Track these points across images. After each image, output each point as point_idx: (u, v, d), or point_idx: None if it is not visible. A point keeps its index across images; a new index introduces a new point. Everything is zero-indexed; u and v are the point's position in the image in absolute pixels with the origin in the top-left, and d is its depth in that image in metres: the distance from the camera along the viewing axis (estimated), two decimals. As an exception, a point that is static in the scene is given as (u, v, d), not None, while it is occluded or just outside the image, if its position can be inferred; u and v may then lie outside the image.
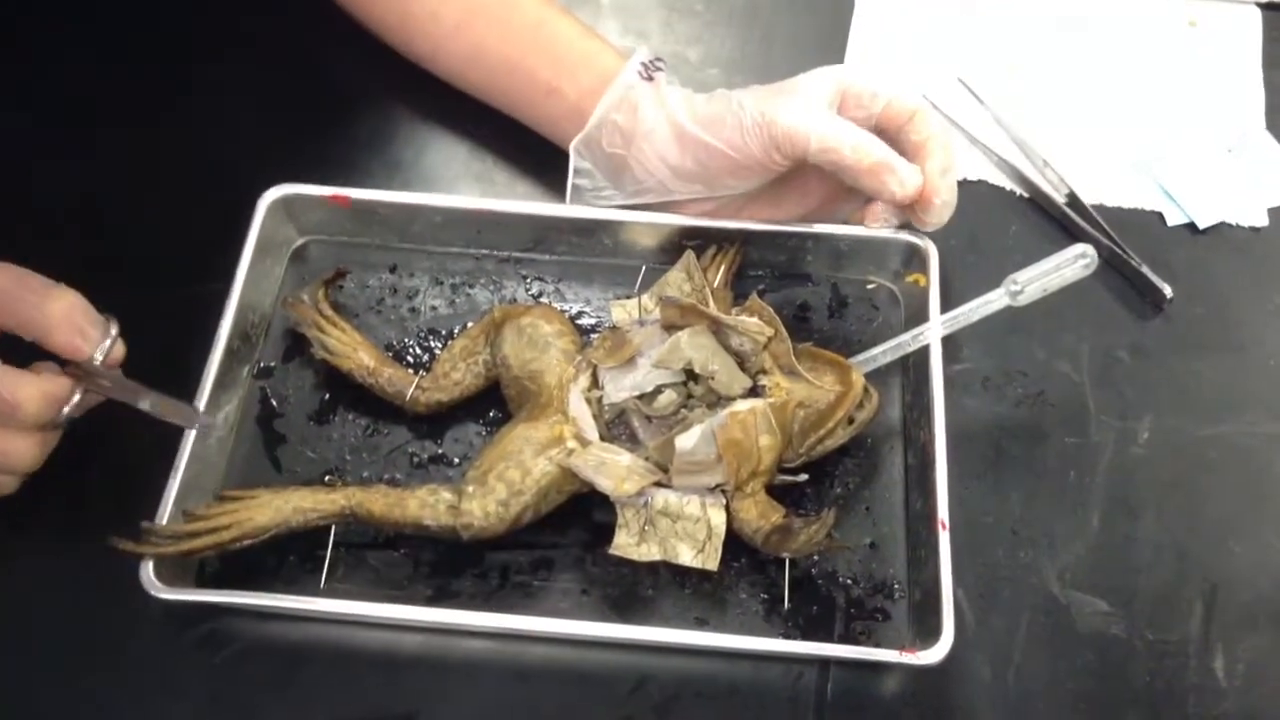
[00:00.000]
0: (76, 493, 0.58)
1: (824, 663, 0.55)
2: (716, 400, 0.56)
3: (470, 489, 0.55)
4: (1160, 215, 0.71)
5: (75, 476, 0.57)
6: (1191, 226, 0.70)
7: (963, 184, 0.63)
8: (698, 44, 0.78)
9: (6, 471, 0.53)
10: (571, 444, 0.56)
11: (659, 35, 0.79)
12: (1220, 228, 0.70)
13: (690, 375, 0.57)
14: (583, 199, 0.66)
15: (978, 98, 0.75)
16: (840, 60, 0.77)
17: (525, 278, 0.67)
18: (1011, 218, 0.70)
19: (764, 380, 0.57)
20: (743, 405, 0.55)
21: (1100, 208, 0.70)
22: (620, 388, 0.57)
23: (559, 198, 0.67)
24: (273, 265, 0.65)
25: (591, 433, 0.57)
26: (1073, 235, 0.69)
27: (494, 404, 0.61)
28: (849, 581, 0.57)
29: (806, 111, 0.58)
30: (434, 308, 0.65)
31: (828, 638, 0.55)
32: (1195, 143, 0.74)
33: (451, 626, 0.54)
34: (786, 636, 0.55)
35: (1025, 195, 0.71)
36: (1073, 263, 0.59)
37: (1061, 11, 0.80)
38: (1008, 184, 0.72)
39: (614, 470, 0.55)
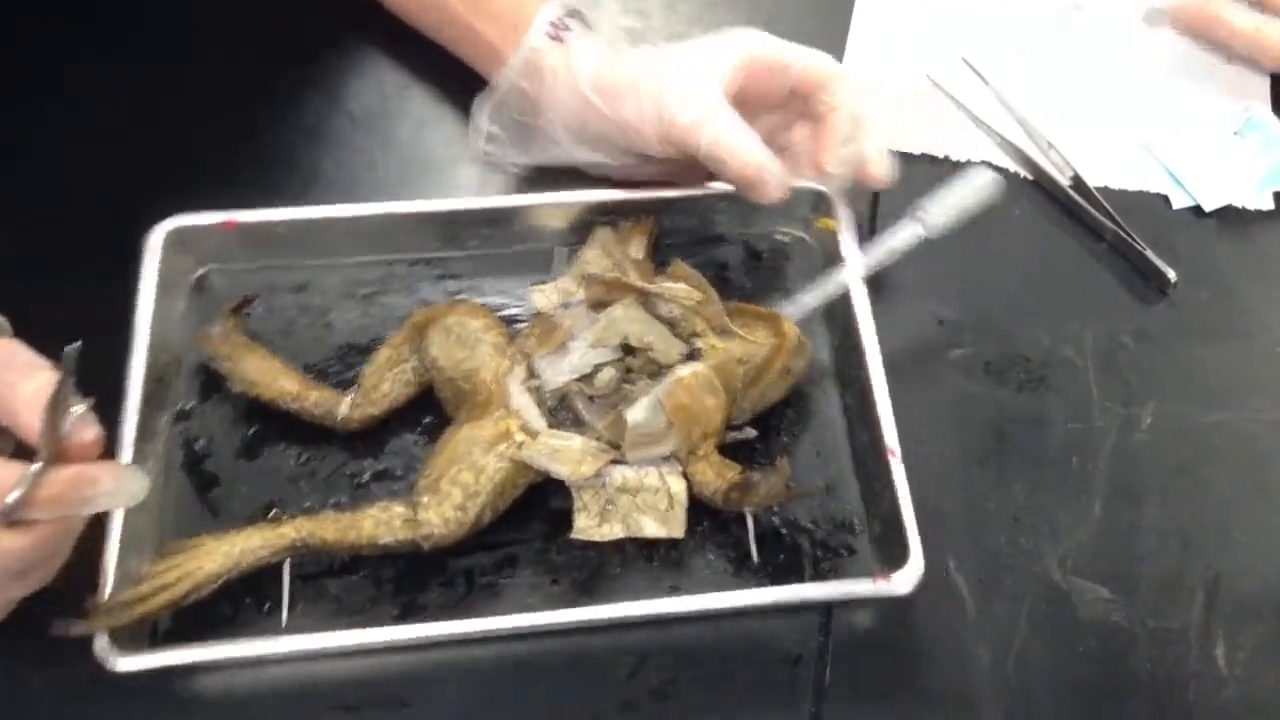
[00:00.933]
0: None
1: (821, 610, 0.55)
2: (657, 370, 0.56)
3: (425, 499, 0.54)
4: (1165, 198, 0.70)
5: None
6: (1197, 210, 0.69)
7: (965, 165, 0.64)
8: (699, 24, 0.76)
9: None
10: (520, 437, 0.55)
11: (661, 15, 0.77)
12: (1226, 211, 0.69)
13: (627, 349, 0.56)
14: (492, 161, 0.66)
15: (983, 78, 0.74)
16: (843, 39, 0.76)
17: (439, 278, 0.65)
18: (1015, 200, 0.69)
19: (699, 343, 0.57)
20: (685, 370, 0.55)
21: (1105, 190, 0.69)
22: (558, 373, 0.57)
23: (460, 193, 0.66)
24: (175, 301, 0.62)
25: (538, 422, 0.56)
26: (1076, 218, 0.68)
27: (428, 410, 0.60)
28: (811, 526, 0.57)
29: (702, 106, 0.58)
30: (349, 321, 0.63)
31: (798, 581, 0.55)
32: (1201, 125, 0.73)
33: (425, 640, 0.53)
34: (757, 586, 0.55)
35: (1029, 178, 0.70)
36: (976, 184, 0.61)
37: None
38: (1012, 166, 0.71)
39: (568, 456, 0.54)
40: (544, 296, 0.63)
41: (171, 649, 0.51)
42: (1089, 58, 0.76)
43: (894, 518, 0.54)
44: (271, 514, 0.57)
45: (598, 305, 0.58)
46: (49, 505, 0.44)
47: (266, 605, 0.54)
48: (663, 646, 0.55)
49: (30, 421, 0.44)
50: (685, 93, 0.58)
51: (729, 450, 0.57)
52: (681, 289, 0.58)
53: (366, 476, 0.58)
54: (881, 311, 0.60)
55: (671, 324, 0.58)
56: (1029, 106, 0.73)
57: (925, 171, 0.69)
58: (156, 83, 0.72)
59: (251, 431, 0.59)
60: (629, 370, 0.57)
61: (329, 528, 0.53)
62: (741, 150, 0.58)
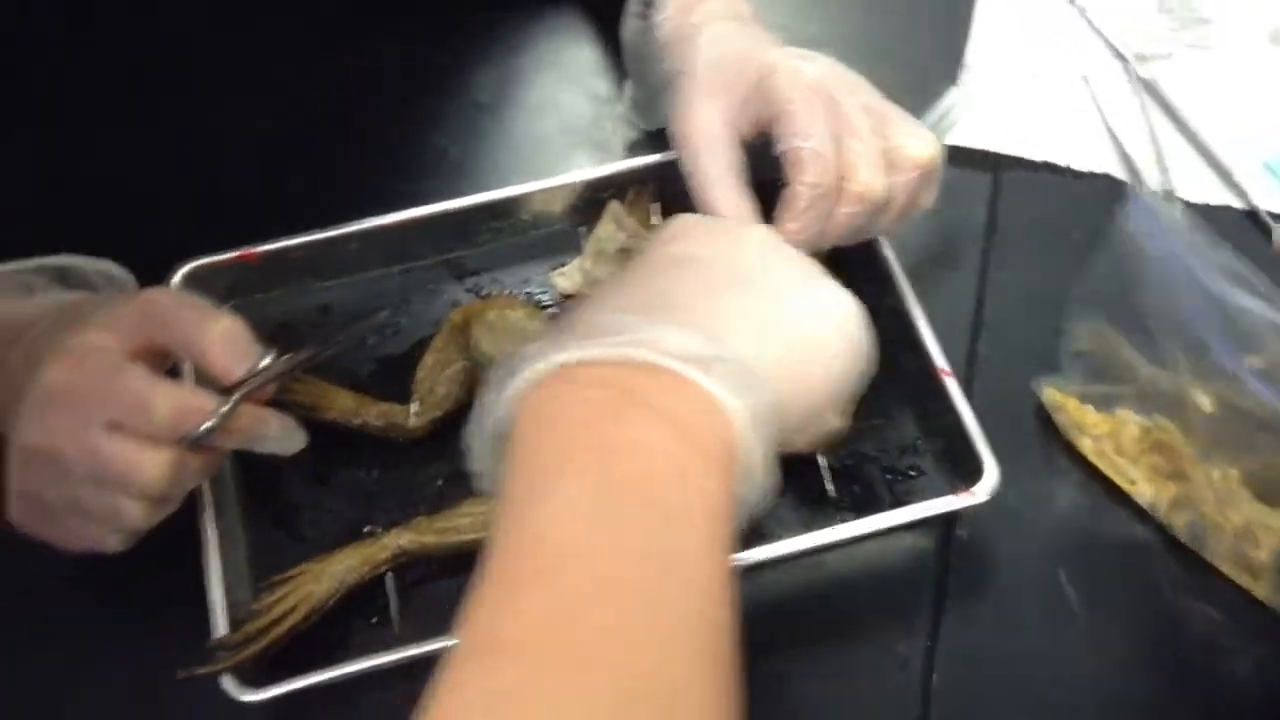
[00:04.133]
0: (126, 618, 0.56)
1: (929, 529, 0.58)
2: None
3: (516, 489, 0.55)
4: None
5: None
6: None
7: (1084, 175, 0.67)
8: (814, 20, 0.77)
9: (129, 491, 0.47)
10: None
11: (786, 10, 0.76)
12: None
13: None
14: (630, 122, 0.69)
15: (1101, 89, 0.74)
16: (963, 41, 0.75)
17: (459, 276, 0.66)
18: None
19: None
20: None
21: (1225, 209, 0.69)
22: None
23: (457, 192, 0.67)
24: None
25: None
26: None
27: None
28: (878, 454, 0.60)
29: (701, 122, 0.55)
30: (381, 335, 0.64)
31: (879, 507, 0.58)
32: None
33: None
34: (844, 522, 0.58)
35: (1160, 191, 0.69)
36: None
37: (1188, 13, 0.78)
38: (1129, 178, 0.70)
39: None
40: (567, 279, 0.64)
41: (296, 678, 0.51)
42: (1215, 74, 0.75)
43: (957, 433, 0.57)
44: (366, 530, 0.57)
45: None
46: (234, 436, 0.49)
47: (375, 620, 0.55)
48: (776, 592, 0.57)
49: (221, 360, 0.48)
50: (693, 100, 0.56)
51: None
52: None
53: (441, 481, 0.59)
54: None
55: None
56: (1149, 122, 0.72)
57: (1047, 181, 0.71)
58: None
59: (318, 456, 0.59)
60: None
61: (428, 533, 0.54)
62: (715, 191, 0.54)
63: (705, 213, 0.55)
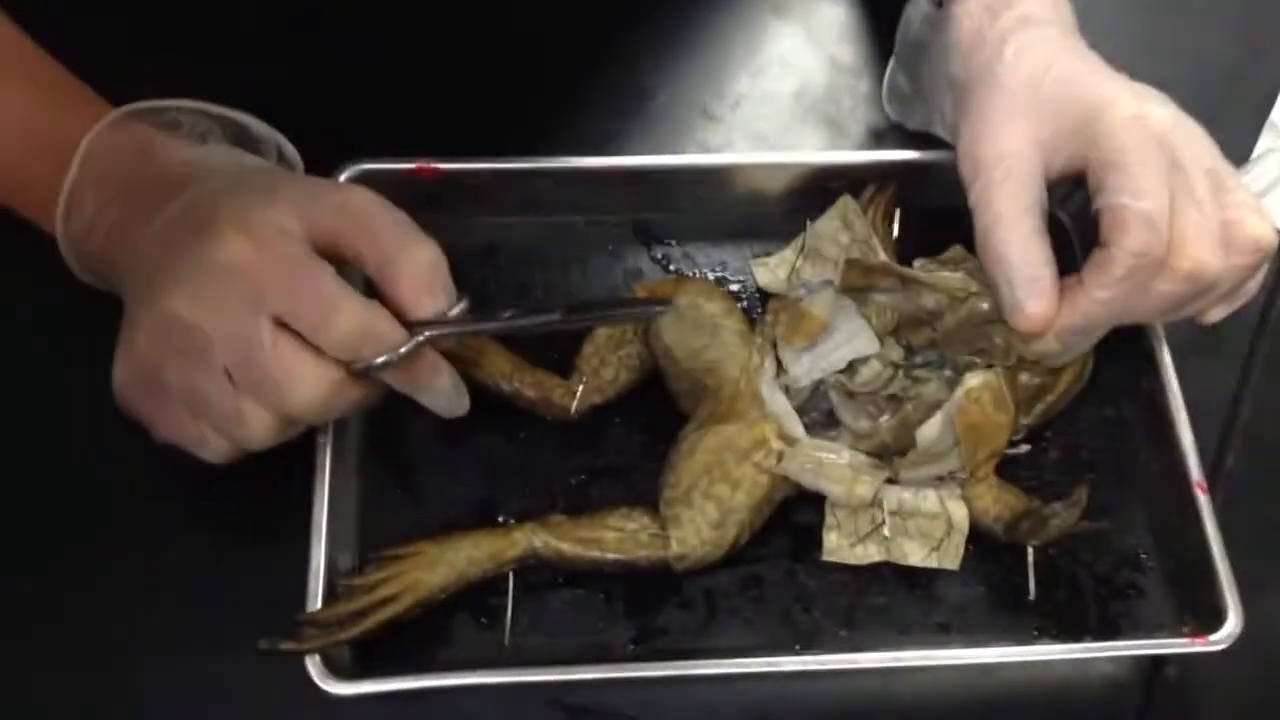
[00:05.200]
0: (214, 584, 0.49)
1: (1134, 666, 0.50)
2: (939, 366, 0.49)
3: (675, 512, 0.47)
4: None
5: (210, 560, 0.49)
6: None
7: None
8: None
9: (268, 399, 0.41)
10: (777, 445, 0.48)
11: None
12: None
13: (909, 350, 0.49)
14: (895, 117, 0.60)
15: None
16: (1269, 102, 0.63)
17: (647, 243, 0.58)
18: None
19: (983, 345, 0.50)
20: (974, 380, 0.48)
21: None
22: (812, 368, 0.50)
23: (654, 139, 0.58)
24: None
25: (797, 428, 0.49)
26: None
27: (648, 400, 0.53)
28: (1089, 558, 0.51)
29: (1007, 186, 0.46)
30: (549, 291, 0.56)
31: (1084, 625, 0.49)
32: None
33: (672, 678, 0.46)
34: (1042, 631, 0.49)
35: None
36: None
37: None
38: None
39: (838, 473, 0.47)
40: (769, 272, 0.56)
41: (393, 679, 0.45)
42: None
43: (1196, 559, 0.48)
44: (501, 520, 0.50)
45: (851, 290, 0.51)
46: (404, 378, 0.44)
47: (483, 618, 0.48)
48: (939, 695, 0.48)
49: (414, 292, 0.42)
50: (1002, 122, 0.47)
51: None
52: (956, 279, 0.50)
53: (585, 475, 0.51)
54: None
55: (931, 319, 0.51)
56: None
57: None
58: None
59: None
60: (894, 365, 0.50)
61: (566, 539, 0.47)
62: (1008, 234, 0.45)
63: (985, 254, 0.46)
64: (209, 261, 0.40)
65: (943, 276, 0.51)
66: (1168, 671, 0.50)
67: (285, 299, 0.40)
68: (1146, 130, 0.44)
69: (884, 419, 0.48)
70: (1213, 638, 0.46)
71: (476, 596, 0.48)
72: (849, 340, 0.50)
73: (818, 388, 0.50)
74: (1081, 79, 0.46)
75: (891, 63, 0.59)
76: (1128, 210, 0.43)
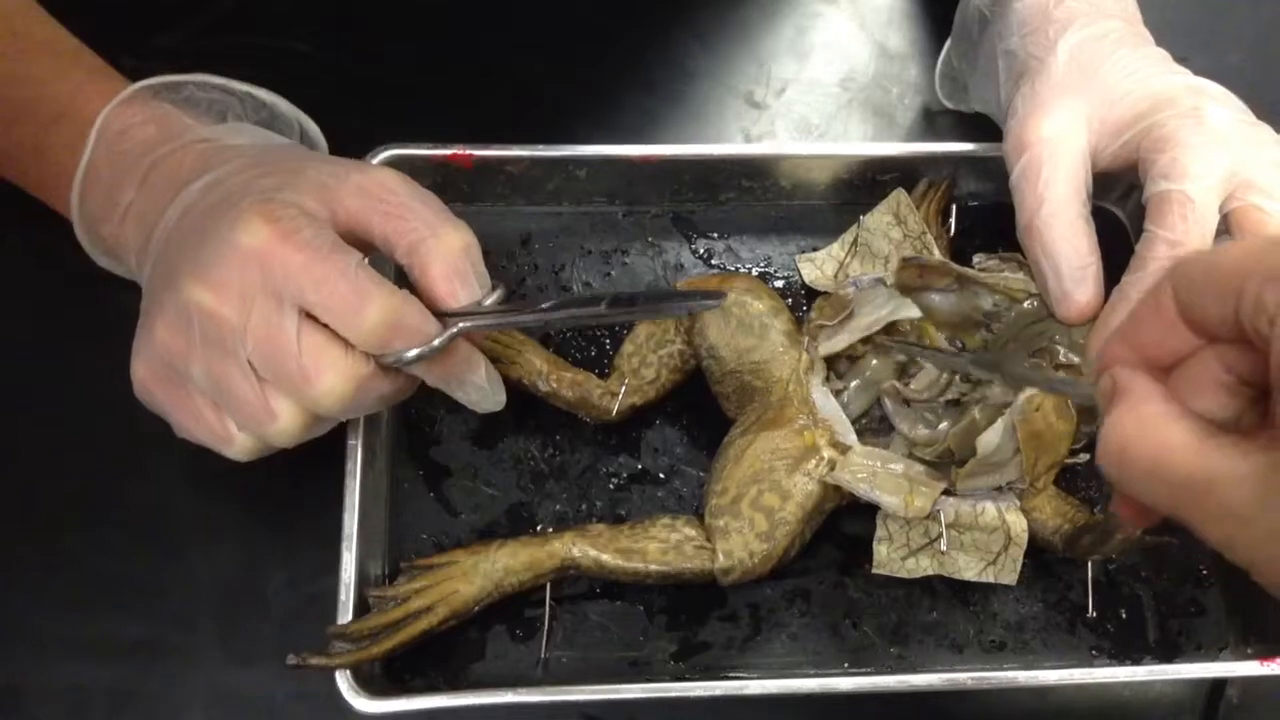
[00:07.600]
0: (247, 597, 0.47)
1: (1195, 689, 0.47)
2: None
3: (722, 523, 0.45)
4: None
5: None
6: None
7: None
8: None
9: (294, 393, 0.39)
10: (828, 453, 0.46)
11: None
12: None
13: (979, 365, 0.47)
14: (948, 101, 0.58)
15: None
16: None
17: (689, 236, 0.55)
18: None
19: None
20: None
21: None
22: (851, 337, 0.47)
23: (714, 138, 0.56)
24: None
25: (849, 435, 0.47)
26: None
27: (689, 400, 0.50)
28: (1148, 574, 0.49)
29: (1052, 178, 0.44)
30: (587, 284, 0.54)
31: (1142, 644, 0.47)
32: None
33: (717, 697, 0.44)
34: (1098, 649, 0.47)
35: None
36: None
37: None
38: None
39: (892, 484, 0.45)
40: (815, 269, 0.54)
41: (426, 695, 0.42)
42: None
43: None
44: (539, 529, 0.48)
45: (906, 289, 0.49)
46: (438, 372, 0.41)
47: (518, 631, 0.46)
48: (990, 714, 0.46)
49: (447, 282, 0.40)
50: (1051, 104, 0.45)
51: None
52: (1018, 280, 0.48)
53: (624, 477, 0.49)
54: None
55: (987, 320, 0.49)
56: None
57: None
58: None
59: (484, 416, 0.50)
60: (954, 373, 0.47)
61: (607, 549, 0.45)
62: (1052, 219, 0.44)
63: (1029, 241, 0.44)
64: (232, 247, 0.38)
65: (1003, 276, 0.48)
66: (1230, 694, 0.48)
67: (311, 288, 0.38)
68: (1202, 124, 0.42)
69: (943, 425, 0.46)
70: (1278, 660, 0.44)
71: (511, 608, 0.46)
72: (888, 302, 0.47)
73: (873, 398, 0.48)
74: (1140, 70, 0.44)
75: (949, 42, 0.56)
76: (1170, 193, 0.40)
